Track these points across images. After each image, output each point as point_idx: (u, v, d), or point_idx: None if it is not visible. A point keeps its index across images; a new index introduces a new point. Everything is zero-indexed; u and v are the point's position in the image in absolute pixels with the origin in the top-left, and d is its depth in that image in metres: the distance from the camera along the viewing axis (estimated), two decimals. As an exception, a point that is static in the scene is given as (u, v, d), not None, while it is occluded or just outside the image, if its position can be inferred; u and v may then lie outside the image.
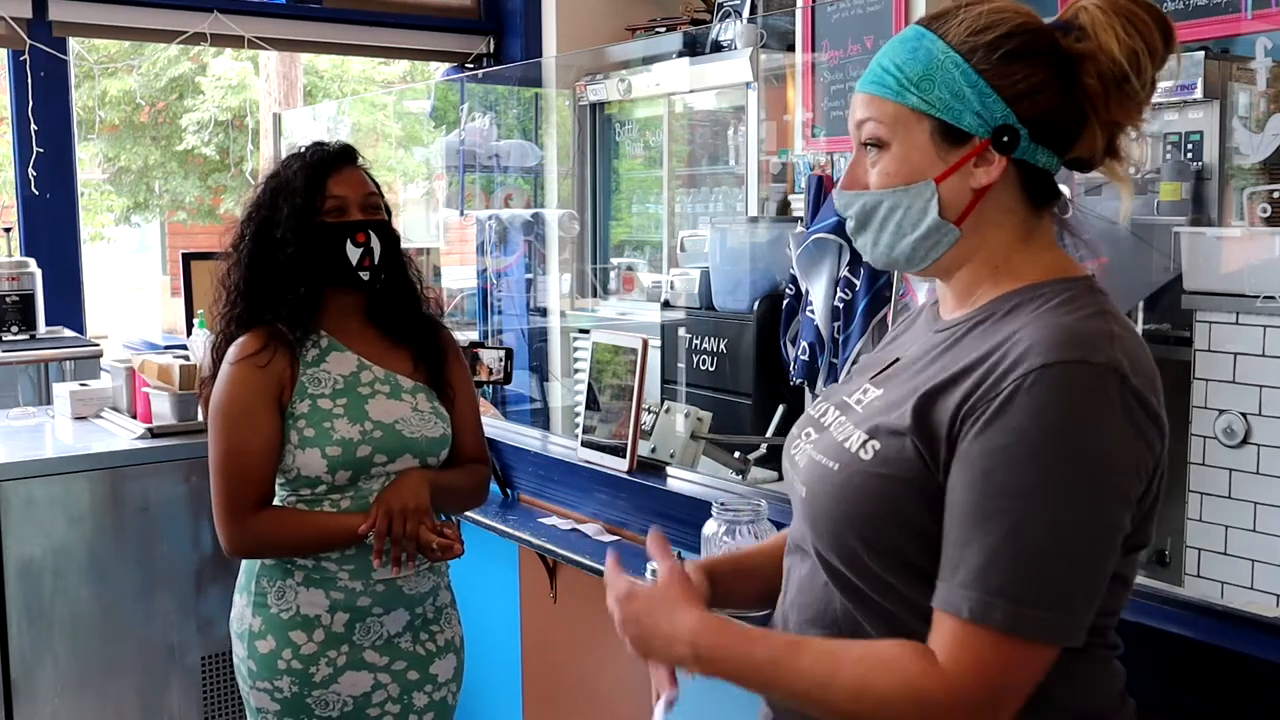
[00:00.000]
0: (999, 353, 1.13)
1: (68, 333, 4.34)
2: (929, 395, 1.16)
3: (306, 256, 2.08)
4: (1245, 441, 2.38)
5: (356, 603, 2.10)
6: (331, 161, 2.13)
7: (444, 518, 2.22)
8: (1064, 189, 1.29)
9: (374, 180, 2.20)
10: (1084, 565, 1.08)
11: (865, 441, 1.20)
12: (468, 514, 2.67)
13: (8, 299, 4.05)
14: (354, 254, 2.09)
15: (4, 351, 3.96)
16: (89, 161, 12.19)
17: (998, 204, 1.21)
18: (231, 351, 2.10)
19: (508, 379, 3.04)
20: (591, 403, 2.62)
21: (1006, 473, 1.08)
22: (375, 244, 2.11)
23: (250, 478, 2.06)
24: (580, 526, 2.53)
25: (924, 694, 1.09)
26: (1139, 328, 2.75)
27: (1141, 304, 2.76)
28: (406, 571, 2.10)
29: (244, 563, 2.20)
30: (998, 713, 1.09)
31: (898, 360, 1.30)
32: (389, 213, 2.21)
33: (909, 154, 1.20)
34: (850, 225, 1.28)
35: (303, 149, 2.16)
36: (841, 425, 1.26)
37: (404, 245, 2.24)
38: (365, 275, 2.11)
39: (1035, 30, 1.19)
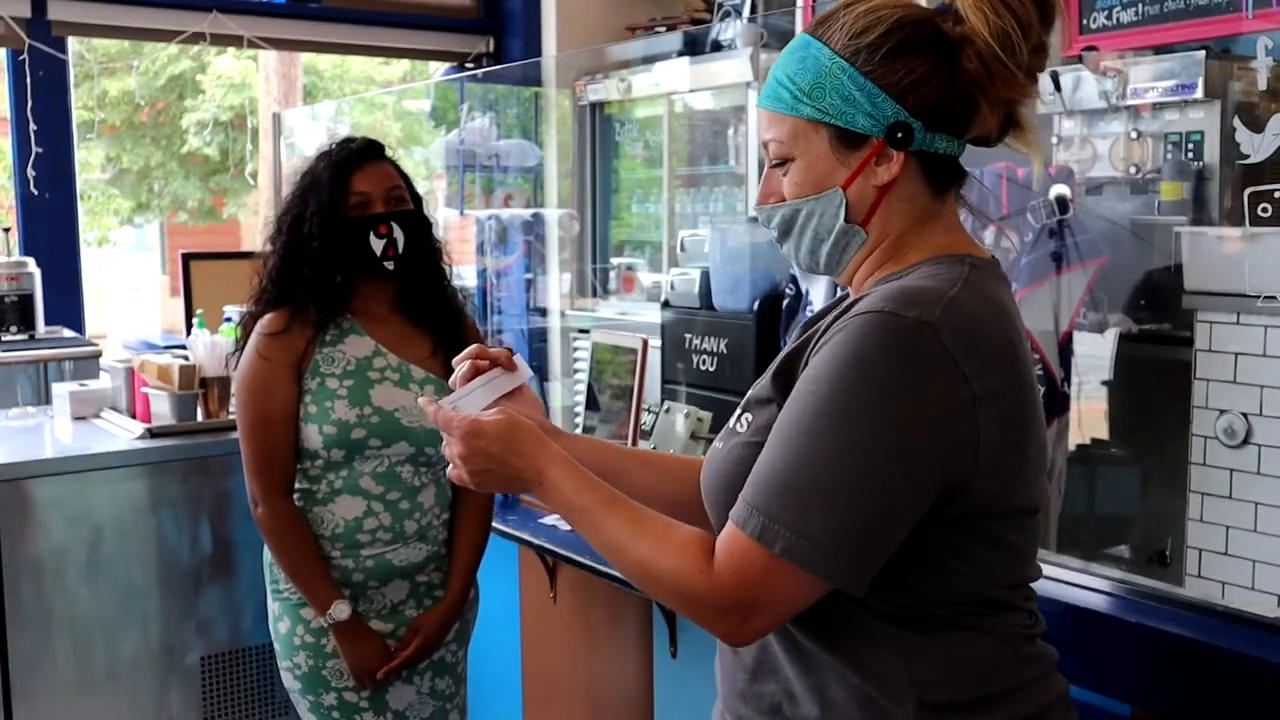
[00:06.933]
0: (843, 313, 1.18)
1: (67, 333, 4.33)
2: (786, 360, 1.23)
3: (334, 249, 2.19)
4: (1246, 442, 2.38)
5: (352, 579, 2.22)
6: (356, 158, 2.23)
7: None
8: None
9: (401, 171, 2.29)
10: (847, 501, 1.11)
11: (741, 415, 1.27)
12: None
13: (6, 299, 4.04)
14: (377, 245, 2.20)
15: (3, 351, 3.95)
16: (93, 164, 12.17)
17: (899, 194, 1.24)
18: (258, 326, 2.23)
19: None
20: (591, 403, 2.62)
21: (798, 403, 1.15)
22: (398, 234, 2.21)
23: (276, 444, 2.19)
24: (580, 526, 2.53)
25: (690, 587, 1.17)
26: (1135, 327, 2.75)
27: (1141, 303, 2.76)
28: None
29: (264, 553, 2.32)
30: (747, 621, 1.15)
31: None
32: (419, 201, 2.31)
33: (813, 164, 1.23)
34: (775, 236, 1.31)
35: (331, 146, 2.27)
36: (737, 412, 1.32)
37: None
38: (390, 265, 2.22)
39: (915, 22, 1.21)
